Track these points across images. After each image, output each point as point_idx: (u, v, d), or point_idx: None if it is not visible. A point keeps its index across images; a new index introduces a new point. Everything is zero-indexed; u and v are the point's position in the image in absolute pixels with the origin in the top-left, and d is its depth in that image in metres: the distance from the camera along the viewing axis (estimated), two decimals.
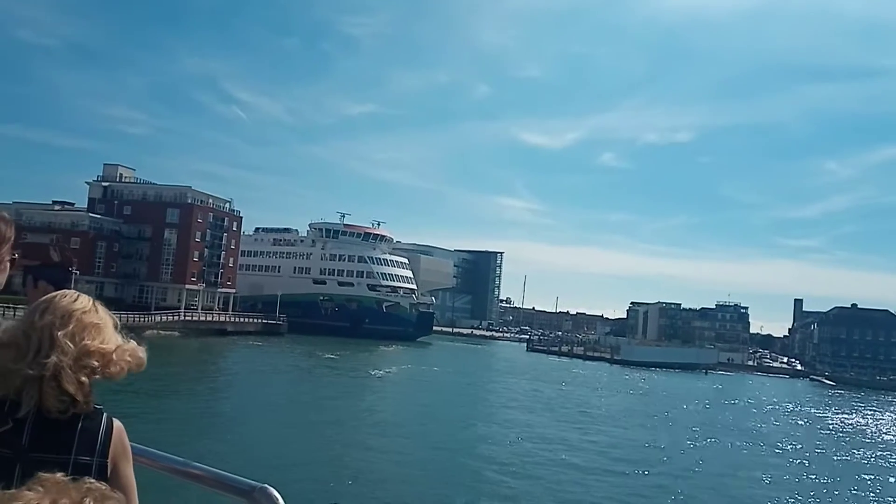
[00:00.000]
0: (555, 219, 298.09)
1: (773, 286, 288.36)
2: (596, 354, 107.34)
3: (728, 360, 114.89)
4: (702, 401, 60.77)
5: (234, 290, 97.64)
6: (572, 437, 35.52)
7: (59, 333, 1.69)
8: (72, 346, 1.68)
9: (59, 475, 1.29)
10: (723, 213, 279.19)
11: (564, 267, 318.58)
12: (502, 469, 26.47)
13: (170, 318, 78.69)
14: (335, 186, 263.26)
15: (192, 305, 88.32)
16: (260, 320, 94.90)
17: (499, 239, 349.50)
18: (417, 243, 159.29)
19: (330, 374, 54.80)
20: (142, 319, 73.10)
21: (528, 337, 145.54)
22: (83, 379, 1.66)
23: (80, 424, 1.67)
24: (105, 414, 1.72)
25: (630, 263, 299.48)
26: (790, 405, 66.26)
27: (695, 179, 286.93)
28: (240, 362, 60.26)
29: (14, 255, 2.19)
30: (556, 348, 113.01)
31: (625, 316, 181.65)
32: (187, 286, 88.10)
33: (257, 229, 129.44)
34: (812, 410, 62.09)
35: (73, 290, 1.89)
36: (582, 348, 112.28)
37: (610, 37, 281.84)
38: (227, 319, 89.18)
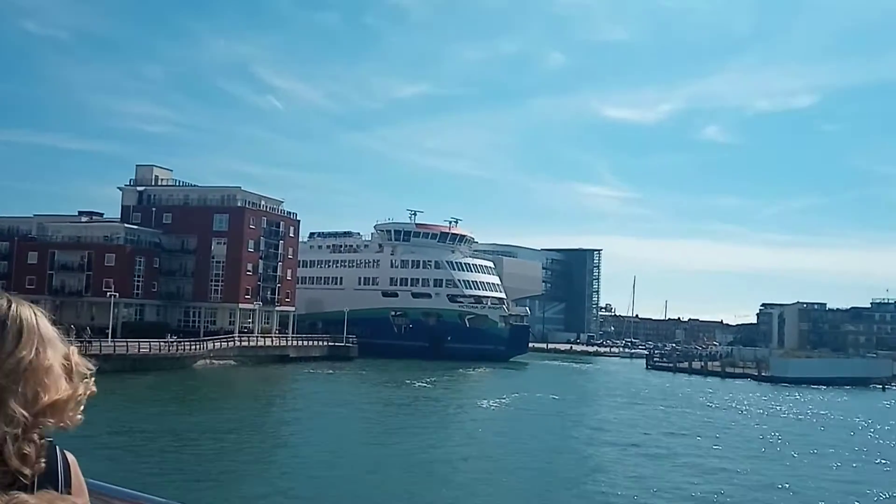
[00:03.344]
0: (649, 207, 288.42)
1: None
2: (737, 371, 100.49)
3: None
4: None
5: (293, 308, 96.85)
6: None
7: (11, 400, 1.58)
8: (25, 414, 1.58)
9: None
10: (857, 190, 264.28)
11: (666, 265, 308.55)
12: None
13: (223, 344, 77.57)
14: (390, 182, 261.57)
15: (246, 327, 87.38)
16: (326, 343, 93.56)
17: (584, 234, 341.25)
18: (497, 243, 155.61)
19: (425, 409, 51.11)
20: (192, 348, 71.98)
21: (640, 351, 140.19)
22: (27, 450, 1.59)
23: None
24: (57, 447, 1.72)
25: (747, 257, 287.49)
26: None
27: (820, 152, 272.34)
28: (310, 395, 57.35)
29: None
30: (686, 364, 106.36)
31: (753, 320, 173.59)
32: (240, 305, 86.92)
33: (312, 235, 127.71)
34: None
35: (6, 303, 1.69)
36: (718, 364, 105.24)
37: None
38: (289, 343, 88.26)
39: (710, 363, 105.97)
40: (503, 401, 57.89)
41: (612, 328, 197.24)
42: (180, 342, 71.27)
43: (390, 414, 47.57)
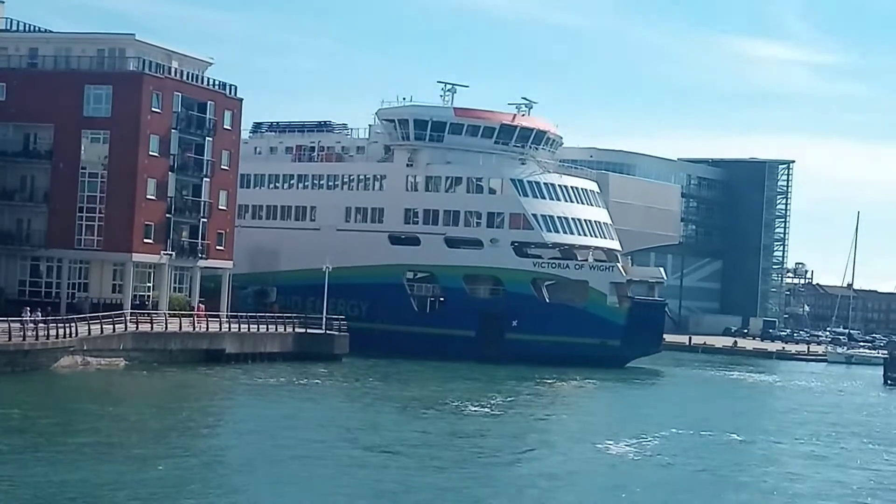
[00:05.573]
0: (876, 85, 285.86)
1: None
2: None
3: None
4: None
5: (230, 264, 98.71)
6: None
7: None
8: None
9: None
10: None
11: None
12: None
13: (105, 328, 78.61)
14: (396, 33, 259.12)
15: (145, 298, 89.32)
16: (292, 328, 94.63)
17: (754, 132, 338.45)
18: (599, 147, 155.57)
19: (492, 468, 48.47)
20: (49, 337, 71.80)
21: (867, 353, 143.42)
22: None
23: None
24: None
25: None
26: None
27: None
28: (262, 435, 54.23)
29: None
30: None
31: None
32: (136, 257, 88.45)
33: (258, 127, 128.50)
34: None
35: None
36: None
37: None
38: (224, 329, 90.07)
39: None
40: (640, 445, 57.25)
41: (806, 308, 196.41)
42: (35, 324, 70.93)
43: (421, 485, 44.86)
